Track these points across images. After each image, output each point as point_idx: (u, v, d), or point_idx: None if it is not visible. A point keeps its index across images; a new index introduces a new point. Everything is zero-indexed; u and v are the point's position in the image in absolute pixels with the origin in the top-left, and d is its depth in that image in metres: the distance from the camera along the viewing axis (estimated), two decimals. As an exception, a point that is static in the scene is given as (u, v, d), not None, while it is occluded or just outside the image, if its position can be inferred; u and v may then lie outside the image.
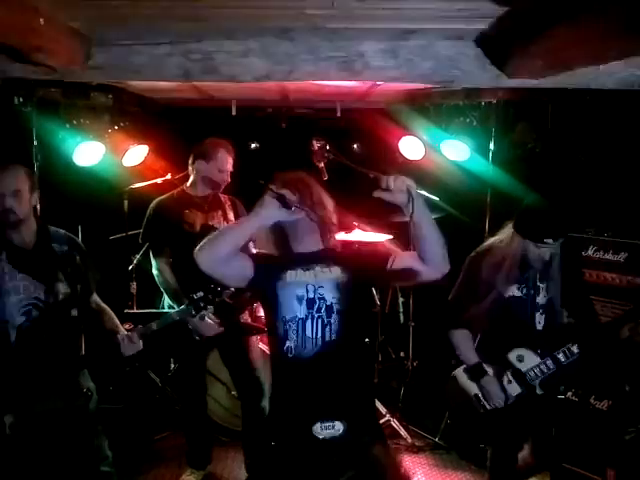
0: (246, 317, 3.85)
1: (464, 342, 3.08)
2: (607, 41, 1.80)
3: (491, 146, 4.31)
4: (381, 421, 4.43)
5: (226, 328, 3.49)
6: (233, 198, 3.85)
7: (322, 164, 4.24)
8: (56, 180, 4.08)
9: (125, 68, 2.65)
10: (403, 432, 4.37)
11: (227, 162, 3.66)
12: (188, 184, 3.73)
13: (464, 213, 4.75)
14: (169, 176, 4.51)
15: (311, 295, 2.29)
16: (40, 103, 3.89)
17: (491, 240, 3.08)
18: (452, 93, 4.08)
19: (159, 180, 4.50)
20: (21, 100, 3.82)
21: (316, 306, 2.28)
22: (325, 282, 2.29)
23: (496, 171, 4.28)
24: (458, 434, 4.17)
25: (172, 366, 4.53)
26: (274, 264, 2.34)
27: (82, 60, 2.54)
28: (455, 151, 4.23)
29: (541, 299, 2.96)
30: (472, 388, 3.09)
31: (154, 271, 3.63)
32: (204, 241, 2.19)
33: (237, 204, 3.83)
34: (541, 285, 2.96)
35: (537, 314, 2.96)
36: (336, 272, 2.31)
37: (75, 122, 4.06)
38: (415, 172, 4.66)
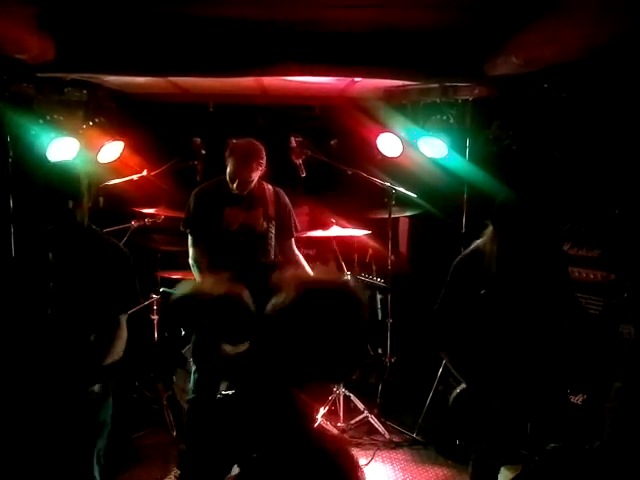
0: None
1: (459, 363, 2.94)
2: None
3: (467, 143, 4.35)
4: (359, 417, 4.46)
5: None
6: (277, 190, 3.81)
7: (300, 161, 4.27)
8: (30, 176, 4.01)
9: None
10: (381, 428, 4.38)
11: (239, 171, 3.59)
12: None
13: (441, 210, 4.79)
14: (145, 172, 4.48)
15: None
16: (13, 98, 3.82)
17: (474, 244, 2.96)
18: (429, 91, 4.10)
19: (135, 177, 4.46)
20: (-7, 95, 3.76)
21: None
22: None
23: (473, 168, 4.31)
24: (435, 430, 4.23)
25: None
26: None
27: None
28: (432, 148, 4.24)
29: (525, 297, 2.82)
30: None
31: (190, 261, 3.72)
32: None
33: (280, 196, 3.80)
34: (525, 282, 2.81)
35: (524, 313, 2.83)
36: None
37: (49, 118, 3.99)
38: (392, 169, 4.70)
